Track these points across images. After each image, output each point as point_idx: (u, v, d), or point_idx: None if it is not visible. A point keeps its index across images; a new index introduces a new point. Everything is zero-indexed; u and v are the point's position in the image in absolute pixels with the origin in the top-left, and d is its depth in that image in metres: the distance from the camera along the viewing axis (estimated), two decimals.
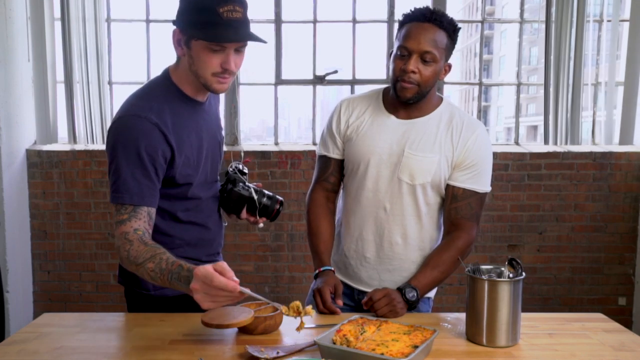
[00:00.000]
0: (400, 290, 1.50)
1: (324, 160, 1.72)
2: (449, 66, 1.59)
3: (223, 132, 1.64)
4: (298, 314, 1.24)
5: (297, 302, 1.24)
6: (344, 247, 1.69)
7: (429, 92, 1.56)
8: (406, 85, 1.51)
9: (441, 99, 1.64)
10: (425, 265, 1.56)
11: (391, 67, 1.56)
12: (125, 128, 1.34)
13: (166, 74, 1.45)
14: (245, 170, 1.57)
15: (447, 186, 1.58)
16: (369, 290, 1.57)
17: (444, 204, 1.62)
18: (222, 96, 3.43)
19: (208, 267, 1.13)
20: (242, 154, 1.75)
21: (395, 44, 1.56)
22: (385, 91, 1.67)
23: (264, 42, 1.37)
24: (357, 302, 1.67)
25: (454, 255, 1.53)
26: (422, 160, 1.55)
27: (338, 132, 1.68)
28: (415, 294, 1.49)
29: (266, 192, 1.56)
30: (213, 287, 1.12)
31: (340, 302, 1.52)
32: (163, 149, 1.35)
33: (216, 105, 1.63)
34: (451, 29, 1.53)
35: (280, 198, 1.57)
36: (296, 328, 1.27)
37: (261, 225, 1.58)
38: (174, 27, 1.37)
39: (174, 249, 1.37)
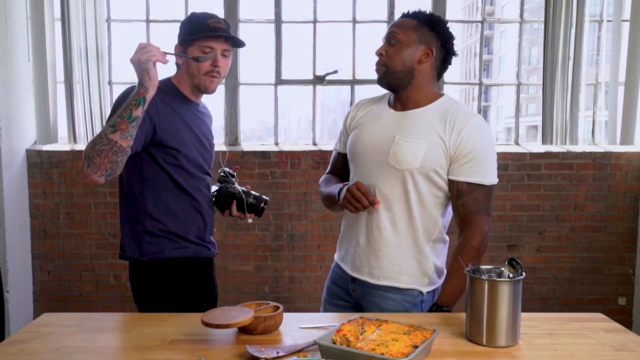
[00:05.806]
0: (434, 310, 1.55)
1: (335, 154, 1.86)
2: (430, 50, 1.58)
3: (214, 141, 1.87)
4: None
5: None
6: (346, 234, 1.74)
7: (400, 72, 1.58)
8: (377, 67, 1.62)
9: (441, 95, 1.64)
10: (449, 276, 1.59)
11: None
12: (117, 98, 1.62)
13: (167, 78, 1.73)
14: (234, 174, 1.84)
15: (452, 183, 1.57)
16: (361, 278, 1.64)
17: (449, 200, 1.61)
18: (222, 96, 3.48)
19: None
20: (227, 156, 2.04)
21: None
22: None
23: (243, 44, 1.74)
24: (354, 299, 1.69)
25: (472, 257, 1.51)
26: (409, 146, 1.56)
27: (345, 128, 1.79)
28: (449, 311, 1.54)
29: (253, 192, 1.80)
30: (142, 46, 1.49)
31: (377, 200, 1.57)
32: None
33: (210, 122, 1.87)
34: (422, 16, 1.59)
35: (266, 197, 1.80)
36: None
37: (250, 221, 1.82)
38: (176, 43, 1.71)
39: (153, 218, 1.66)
